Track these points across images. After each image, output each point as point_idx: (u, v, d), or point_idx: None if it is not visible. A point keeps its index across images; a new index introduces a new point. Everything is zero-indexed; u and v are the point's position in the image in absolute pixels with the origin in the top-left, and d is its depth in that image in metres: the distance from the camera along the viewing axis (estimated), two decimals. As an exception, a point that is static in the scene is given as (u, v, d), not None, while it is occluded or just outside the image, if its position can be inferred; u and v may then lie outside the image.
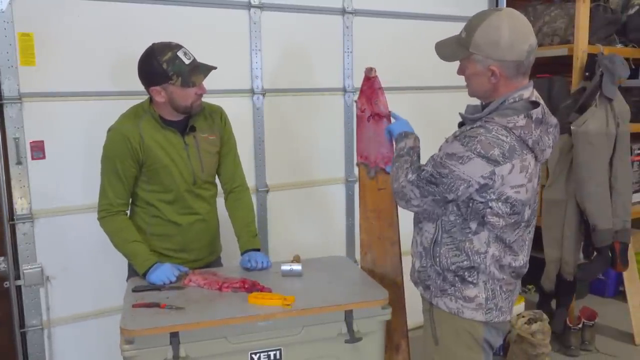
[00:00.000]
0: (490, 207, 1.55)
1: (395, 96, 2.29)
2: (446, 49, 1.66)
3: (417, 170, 1.65)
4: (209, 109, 2.11)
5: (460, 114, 1.69)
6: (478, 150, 1.49)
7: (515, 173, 1.52)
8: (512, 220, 1.58)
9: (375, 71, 2.07)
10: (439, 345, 1.71)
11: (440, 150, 1.62)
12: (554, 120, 1.63)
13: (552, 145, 1.63)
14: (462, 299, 1.64)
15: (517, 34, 1.53)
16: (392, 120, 2.02)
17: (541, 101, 1.59)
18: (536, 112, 1.53)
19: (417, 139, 1.84)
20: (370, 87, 2.07)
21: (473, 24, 1.58)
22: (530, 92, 1.59)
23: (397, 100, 2.23)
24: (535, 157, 1.57)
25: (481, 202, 1.56)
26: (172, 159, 2.00)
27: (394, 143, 1.92)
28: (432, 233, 1.67)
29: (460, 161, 1.52)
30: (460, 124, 1.69)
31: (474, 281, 1.62)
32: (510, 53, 1.53)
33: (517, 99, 1.56)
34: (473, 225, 1.59)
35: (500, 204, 1.55)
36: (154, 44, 1.93)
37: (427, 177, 1.59)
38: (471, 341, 1.66)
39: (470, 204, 1.58)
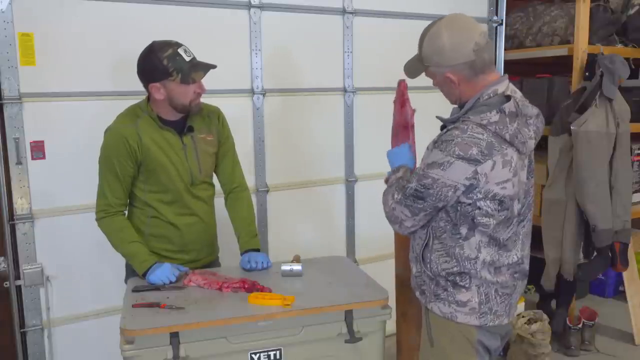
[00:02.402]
0: (479, 208, 1.54)
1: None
2: (410, 67, 1.72)
3: (402, 188, 1.64)
4: (206, 109, 2.11)
5: (437, 117, 1.70)
6: (457, 153, 1.49)
7: (497, 169, 1.51)
8: (503, 217, 1.57)
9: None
10: (434, 347, 1.71)
11: (422, 161, 1.62)
12: (533, 110, 1.63)
13: (535, 137, 1.62)
14: (455, 303, 1.63)
15: (456, 36, 1.56)
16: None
17: (516, 94, 1.59)
18: (508, 106, 1.53)
19: (408, 170, 1.79)
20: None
21: (421, 37, 1.64)
22: (505, 86, 1.58)
23: (397, 100, 2.23)
24: (518, 150, 1.56)
25: (469, 204, 1.55)
26: (170, 159, 2.00)
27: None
28: (423, 239, 1.67)
29: (441, 168, 1.51)
30: (442, 128, 1.69)
31: (467, 285, 1.61)
32: (456, 56, 1.56)
33: (491, 95, 1.56)
34: (463, 231, 1.59)
35: (488, 202, 1.54)
36: (154, 42, 1.94)
37: (412, 193, 1.58)
38: (465, 344, 1.66)
39: (459, 208, 1.57)
